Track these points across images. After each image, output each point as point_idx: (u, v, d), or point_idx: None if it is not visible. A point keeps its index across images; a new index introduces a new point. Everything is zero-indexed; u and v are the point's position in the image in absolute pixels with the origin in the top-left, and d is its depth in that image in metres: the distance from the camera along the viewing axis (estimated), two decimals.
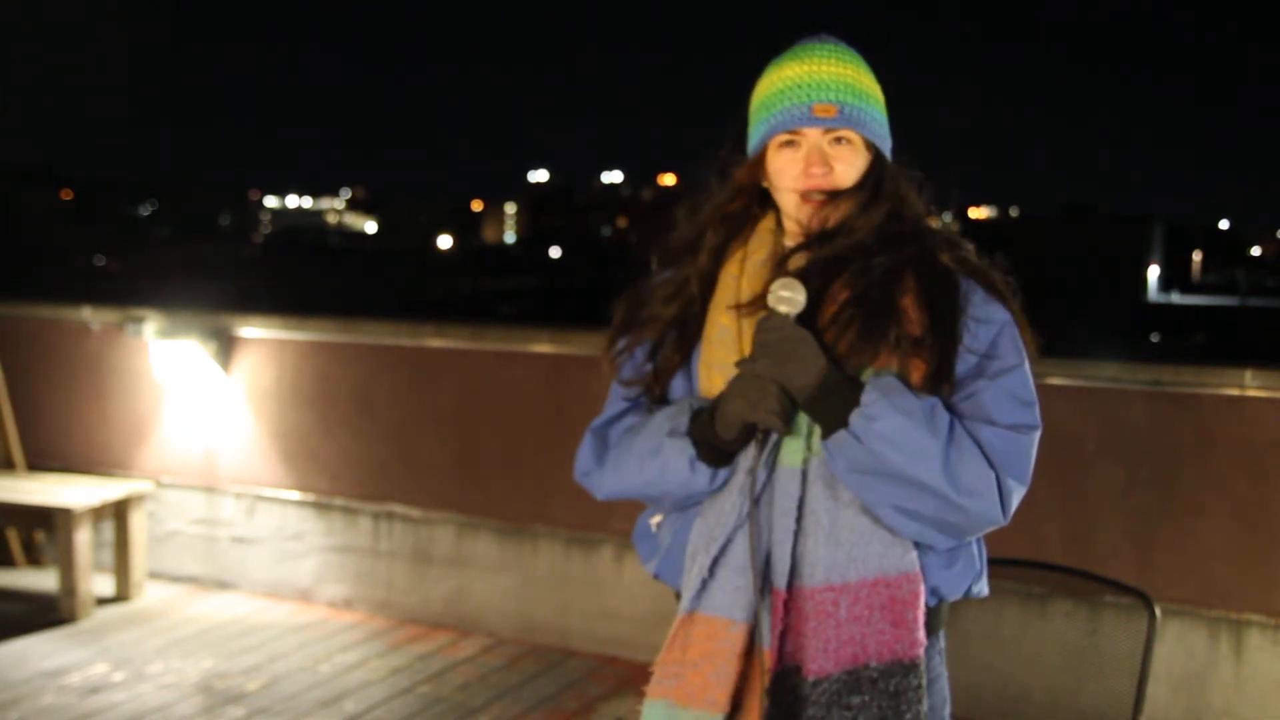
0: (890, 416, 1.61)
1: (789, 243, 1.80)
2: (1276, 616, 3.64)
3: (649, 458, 1.76)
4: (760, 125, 1.77)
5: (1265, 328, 42.91)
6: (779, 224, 1.82)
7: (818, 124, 1.71)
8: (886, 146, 1.77)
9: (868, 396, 1.63)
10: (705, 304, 1.81)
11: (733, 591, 1.70)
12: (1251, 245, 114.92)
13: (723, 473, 1.73)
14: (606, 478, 1.85)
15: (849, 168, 1.73)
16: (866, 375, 1.67)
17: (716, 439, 1.70)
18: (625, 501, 1.88)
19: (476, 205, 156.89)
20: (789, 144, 1.74)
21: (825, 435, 1.66)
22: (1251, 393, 3.66)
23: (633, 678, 4.36)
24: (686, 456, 1.72)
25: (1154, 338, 42.91)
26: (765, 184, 1.79)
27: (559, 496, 4.65)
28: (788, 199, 1.76)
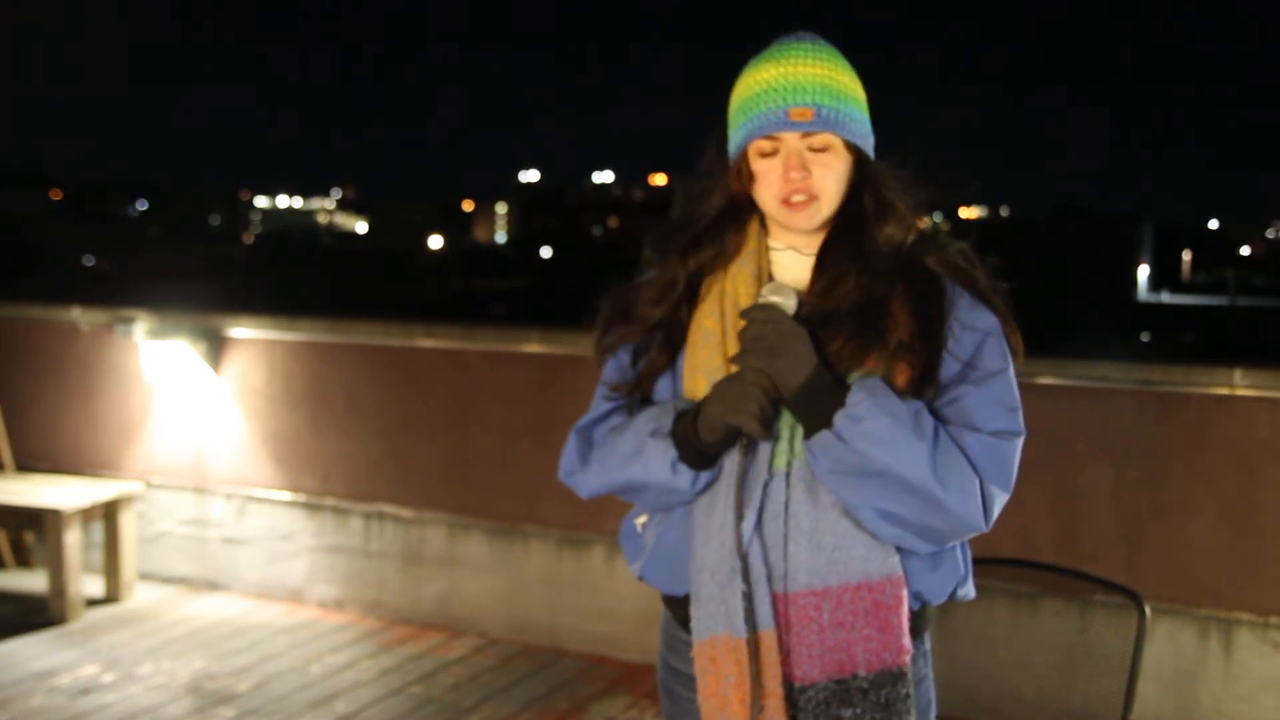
0: (876, 417, 1.61)
1: (773, 243, 1.80)
2: (1266, 615, 3.65)
3: (632, 458, 1.75)
4: (738, 130, 1.74)
5: (1255, 327, 43.04)
6: (763, 225, 1.81)
7: (794, 128, 1.68)
8: (869, 145, 1.75)
9: (853, 397, 1.62)
10: (691, 307, 1.80)
11: (740, 606, 1.67)
12: (1241, 245, 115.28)
13: (704, 475, 1.71)
14: (591, 476, 1.83)
15: (828, 171, 1.71)
16: (853, 378, 1.67)
17: (698, 441, 1.69)
18: (616, 501, 1.87)
19: (467, 205, 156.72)
20: (769, 151, 1.71)
21: (808, 435, 1.66)
22: (1241, 392, 3.67)
23: (624, 678, 4.36)
24: (669, 458, 1.71)
25: (1144, 337, 42.98)
26: (749, 188, 1.76)
27: (550, 496, 4.65)
28: (769, 203, 1.74)
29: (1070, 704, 2.62)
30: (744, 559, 1.67)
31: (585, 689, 4.28)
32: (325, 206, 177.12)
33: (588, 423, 1.87)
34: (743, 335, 1.66)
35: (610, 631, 4.58)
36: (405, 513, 4.98)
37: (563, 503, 4.62)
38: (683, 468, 1.70)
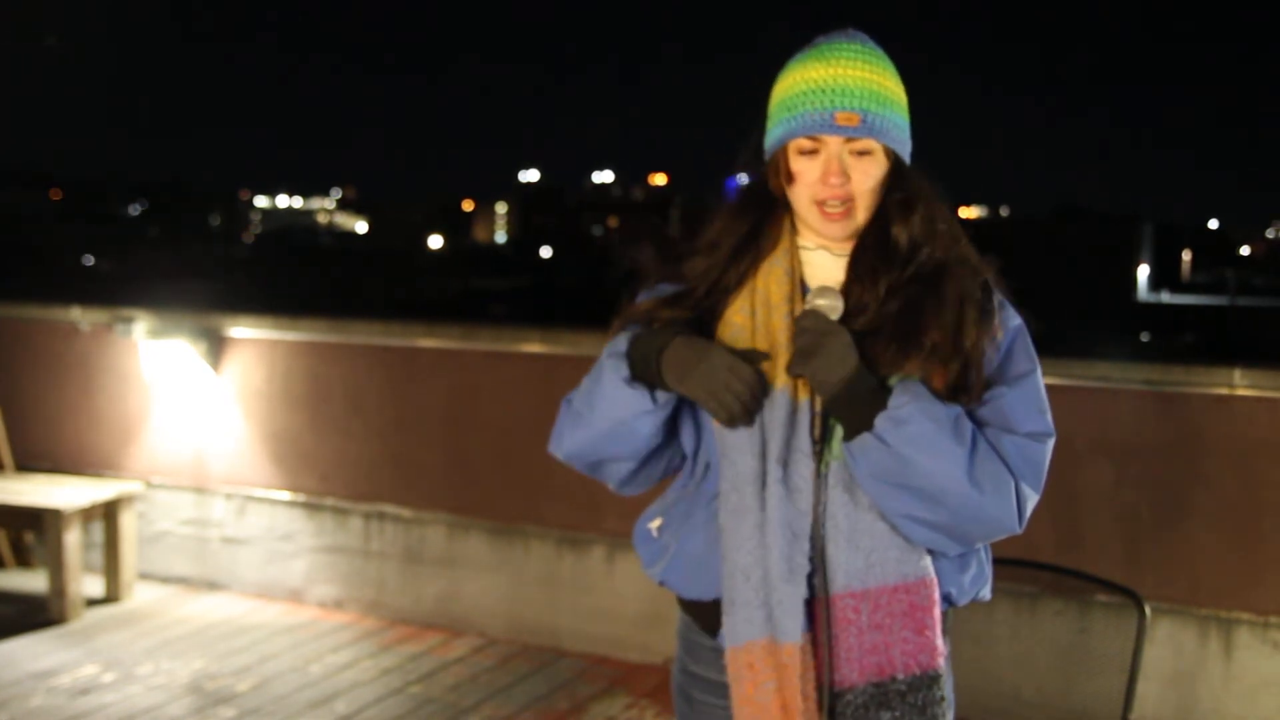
0: (919, 421, 1.61)
1: (804, 243, 1.78)
2: (1265, 615, 3.65)
3: (592, 384, 1.76)
4: (779, 126, 1.73)
5: (1255, 327, 43.04)
6: (792, 224, 1.79)
7: (839, 133, 1.68)
8: (906, 151, 1.75)
9: (896, 400, 1.62)
10: (723, 303, 1.78)
11: (779, 610, 1.66)
12: (1241, 245, 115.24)
13: (663, 394, 1.71)
14: (565, 433, 1.82)
15: (867, 178, 1.70)
16: (892, 382, 1.66)
17: (658, 380, 1.69)
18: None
19: (467, 205, 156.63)
20: (809, 150, 1.70)
21: (848, 438, 1.65)
22: (1240, 391, 3.67)
23: (624, 677, 4.36)
24: (621, 375, 1.71)
25: (1144, 337, 42.98)
26: (785, 185, 1.75)
27: (550, 496, 4.65)
28: (803, 204, 1.73)
29: (1070, 704, 2.63)
30: (788, 563, 1.65)
31: (585, 689, 4.28)
32: (325, 206, 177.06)
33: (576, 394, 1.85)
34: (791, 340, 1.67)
35: (610, 631, 4.58)
36: (405, 512, 4.98)
37: (563, 502, 4.62)
38: (639, 385, 1.70)
